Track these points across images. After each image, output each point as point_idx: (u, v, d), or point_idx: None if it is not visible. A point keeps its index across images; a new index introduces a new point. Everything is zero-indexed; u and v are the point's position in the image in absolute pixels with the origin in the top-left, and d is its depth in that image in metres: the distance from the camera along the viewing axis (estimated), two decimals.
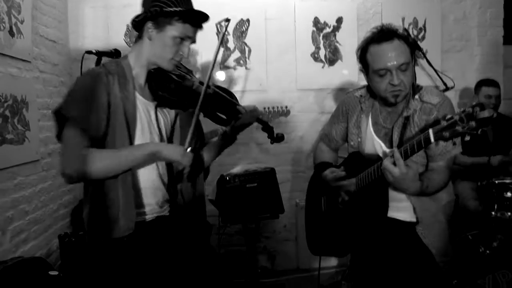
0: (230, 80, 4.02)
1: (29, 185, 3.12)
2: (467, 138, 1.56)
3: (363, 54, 1.99)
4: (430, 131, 1.66)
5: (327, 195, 2.36)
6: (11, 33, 2.89)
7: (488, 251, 2.90)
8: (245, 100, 3.94)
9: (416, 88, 2.04)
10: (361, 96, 2.20)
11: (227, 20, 1.90)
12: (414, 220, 2.06)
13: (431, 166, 2.00)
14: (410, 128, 1.98)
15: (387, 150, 2.04)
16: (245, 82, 4.03)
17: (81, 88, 1.69)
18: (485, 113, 1.51)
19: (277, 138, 2.32)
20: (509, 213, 2.97)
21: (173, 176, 1.93)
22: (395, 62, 1.87)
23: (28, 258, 2.61)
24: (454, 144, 1.89)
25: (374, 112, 2.13)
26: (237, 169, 3.36)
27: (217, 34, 3.94)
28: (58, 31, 3.68)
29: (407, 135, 1.98)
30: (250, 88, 4.02)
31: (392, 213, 2.05)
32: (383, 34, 1.92)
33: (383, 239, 2.08)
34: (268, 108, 2.49)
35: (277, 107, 2.68)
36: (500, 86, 3.86)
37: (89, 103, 1.64)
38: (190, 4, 1.82)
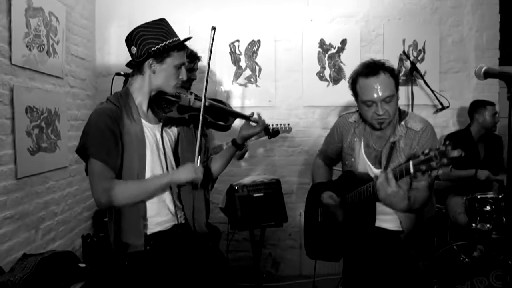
0: (243, 96, 4.39)
1: (58, 189, 3.49)
2: (440, 172, 1.84)
3: (353, 84, 2.25)
4: (410, 163, 1.86)
5: (323, 208, 2.59)
6: (48, 53, 3.29)
7: (467, 259, 3.16)
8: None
9: (402, 114, 2.31)
10: (355, 121, 2.43)
11: (213, 28, 2.02)
12: (399, 229, 2.33)
13: (414, 185, 2.22)
14: (396, 152, 2.24)
15: (376, 171, 2.30)
16: (255, 98, 4.39)
17: (94, 125, 1.90)
18: (455, 153, 1.71)
19: (273, 133, 2.57)
20: (488, 225, 3.24)
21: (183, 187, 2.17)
22: (380, 95, 2.12)
23: (61, 251, 2.97)
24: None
25: (366, 135, 2.38)
26: (246, 180, 3.64)
27: (230, 53, 4.32)
28: (86, 49, 4.08)
29: (393, 158, 2.25)
30: (260, 104, 4.37)
31: (380, 223, 2.32)
32: (371, 69, 2.16)
33: (371, 246, 2.32)
34: (272, 125, 2.80)
35: (281, 124, 2.98)
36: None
37: (104, 138, 1.87)
38: (173, 31, 2.05)
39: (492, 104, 4.06)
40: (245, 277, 4.07)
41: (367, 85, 2.16)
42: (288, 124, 3.03)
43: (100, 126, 1.89)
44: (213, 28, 2.03)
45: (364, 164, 2.37)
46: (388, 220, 2.33)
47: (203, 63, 4.17)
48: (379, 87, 2.13)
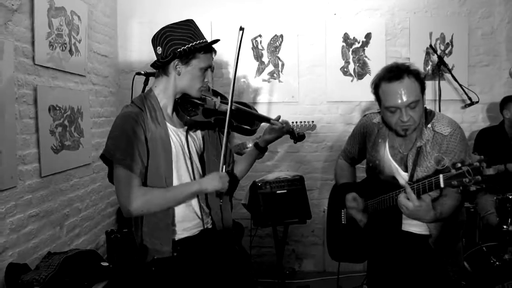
0: (265, 92, 4.34)
1: (82, 186, 3.53)
2: (473, 188, 1.79)
3: (376, 89, 2.13)
4: (441, 178, 1.80)
5: (347, 210, 2.50)
6: (70, 52, 3.31)
7: (498, 263, 3.06)
8: (279, 111, 4.18)
9: (428, 116, 2.20)
10: (379, 122, 2.33)
11: (241, 29, 1.97)
12: (427, 233, 2.24)
13: (442, 191, 2.12)
14: (423, 156, 2.14)
15: (403, 173, 2.21)
16: (278, 94, 4.34)
17: (120, 130, 1.86)
18: (491, 171, 1.67)
19: (299, 137, 2.50)
20: None
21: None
22: (404, 101, 2.00)
23: (84, 250, 3.01)
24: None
25: (391, 136, 2.27)
26: (269, 176, 3.61)
27: (252, 48, 4.28)
28: (108, 46, 4.10)
29: (420, 162, 2.15)
30: (283, 99, 4.34)
31: (407, 227, 2.24)
32: (394, 73, 2.04)
33: (398, 250, 2.24)
34: (296, 122, 2.75)
35: (304, 122, 2.94)
36: None
37: (129, 143, 1.83)
38: (201, 33, 1.99)
39: None
40: (268, 273, 4.07)
41: (390, 90, 2.04)
42: (313, 122, 2.97)
43: (126, 131, 1.85)
44: (241, 29, 1.97)
45: (390, 166, 2.29)
46: (414, 224, 2.23)
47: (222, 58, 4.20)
48: (403, 92, 2.01)
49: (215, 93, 2.26)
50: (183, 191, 1.93)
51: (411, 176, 2.17)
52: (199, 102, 2.08)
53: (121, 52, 4.35)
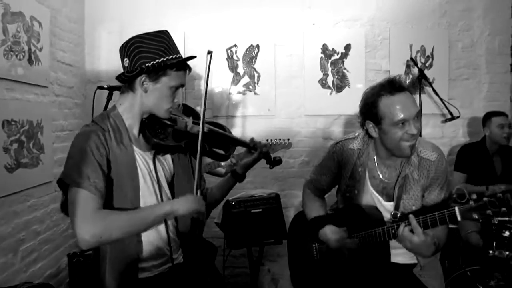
0: (240, 104, 4.14)
1: (41, 206, 3.25)
2: (495, 221, 1.69)
3: (373, 107, 1.98)
4: (457, 210, 1.71)
5: (319, 243, 2.36)
6: (30, 61, 3.04)
7: None
8: (254, 124, 4.08)
9: None
10: (359, 149, 2.20)
11: (209, 52, 1.81)
12: (413, 261, 2.15)
13: None
14: (410, 184, 2.06)
15: (386, 204, 2.12)
16: (254, 107, 4.14)
17: (79, 151, 1.65)
18: None
19: (275, 162, 2.36)
20: (507, 252, 2.97)
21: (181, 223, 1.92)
22: (413, 111, 1.91)
23: (37, 284, 2.71)
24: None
25: (371, 165, 2.16)
26: (243, 194, 3.43)
27: (227, 59, 4.07)
28: (74, 54, 3.83)
29: (407, 190, 2.06)
30: (259, 113, 4.13)
31: (392, 258, 2.12)
32: (396, 86, 1.95)
33: (386, 283, 2.13)
34: (271, 140, 2.59)
35: (280, 140, 2.78)
36: (507, 115, 3.89)
37: (88, 163, 1.62)
38: (176, 48, 1.81)
39: (498, 114, 3.83)
40: None
41: (397, 102, 1.92)
42: (288, 140, 2.83)
43: (85, 150, 1.64)
44: (209, 53, 1.80)
45: (371, 196, 2.16)
46: (400, 253, 2.12)
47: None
48: (410, 102, 1.93)
49: (187, 110, 2.04)
50: (152, 213, 1.70)
51: (396, 206, 2.09)
52: (168, 123, 1.87)
53: (88, 60, 4.08)
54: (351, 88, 4.15)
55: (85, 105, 3.98)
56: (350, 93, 4.14)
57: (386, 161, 2.13)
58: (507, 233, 3.00)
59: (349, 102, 4.09)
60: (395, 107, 1.91)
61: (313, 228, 2.31)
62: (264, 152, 2.21)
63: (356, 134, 2.25)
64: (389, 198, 2.12)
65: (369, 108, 2.00)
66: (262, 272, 4.07)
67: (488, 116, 3.86)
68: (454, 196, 1.77)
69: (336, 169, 2.31)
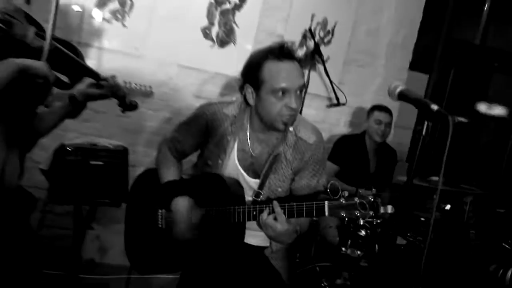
0: (101, 34, 4.06)
1: None
2: (361, 222, 1.95)
3: (257, 69, 2.09)
4: (326, 205, 1.92)
5: (167, 209, 2.40)
6: None
7: (327, 287, 3.27)
8: (114, 62, 4.02)
9: None
10: (234, 116, 2.29)
11: None
12: (264, 244, 2.39)
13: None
14: (281, 164, 2.25)
15: (250, 180, 2.30)
16: (119, 41, 4.08)
17: None
18: (388, 209, 1.86)
19: (129, 106, 2.42)
20: (359, 252, 3.38)
21: None
22: (296, 83, 2.05)
23: None
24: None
25: (243, 137, 2.29)
26: (84, 141, 3.42)
27: None
28: None
29: (277, 170, 2.25)
30: (125, 49, 4.06)
31: (245, 239, 2.28)
32: (286, 53, 2.08)
33: (234, 263, 2.32)
34: (130, 83, 2.63)
35: (140, 85, 2.81)
36: (393, 113, 4.32)
37: None
38: None
39: (381, 109, 4.25)
40: (60, 263, 3.77)
41: (282, 69, 2.05)
42: (150, 87, 2.86)
43: None
44: None
45: (234, 170, 2.31)
46: (253, 235, 2.33)
47: None
48: (296, 74, 2.07)
49: (30, 20, 1.96)
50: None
51: (261, 184, 2.26)
52: (1, 25, 1.78)
53: None
54: (237, 46, 4.30)
55: None
56: (234, 52, 4.28)
57: (259, 135, 2.26)
58: (363, 232, 3.42)
59: (231, 61, 4.23)
60: (279, 74, 2.04)
61: (165, 194, 2.37)
62: (115, 91, 2.25)
63: (234, 99, 2.34)
64: (255, 176, 2.28)
65: (252, 70, 2.11)
66: (90, 237, 4.11)
67: (372, 109, 4.29)
68: (328, 190, 1.95)
69: (203, 132, 2.38)
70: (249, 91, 2.16)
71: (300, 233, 2.16)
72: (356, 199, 1.89)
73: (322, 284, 3.31)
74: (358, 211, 1.88)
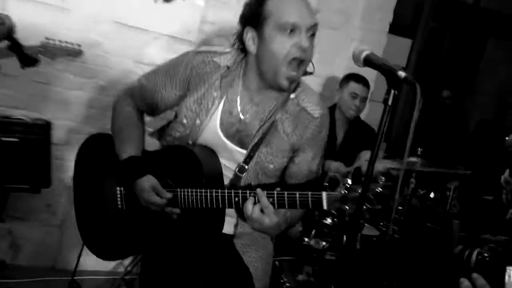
0: None
1: None
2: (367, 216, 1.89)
3: (257, 6, 1.99)
4: (324, 195, 1.83)
5: (128, 189, 2.29)
6: None
7: (288, 284, 3.12)
8: (33, 13, 3.70)
9: None
10: (227, 67, 2.16)
11: None
12: (231, 233, 2.29)
13: None
14: (277, 135, 2.13)
15: (235, 148, 2.16)
16: None
17: None
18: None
19: (28, 60, 2.36)
20: (324, 243, 3.23)
21: None
22: (309, 19, 1.95)
23: None
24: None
25: (232, 96, 2.16)
26: None
27: None
28: None
29: (270, 141, 2.12)
30: (47, 0, 3.77)
31: None
32: None
33: (204, 252, 2.23)
34: (54, 40, 2.37)
35: (66, 42, 2.58)
36: (370, 86, 4.18)
37: None
38: None
39: (359, 80, 4.11)
40: None
41: (292, 2, 1.98)
42: (79, 45, 2.65)
43: None
44: None
45: (215, 135, 2.16)
46: (227, 222, 2.22)
47: None
48: (306, 9, 1.97)
49: None
50: None
51: (248, 157, 2.13)
52: None
53: None
54: (186, 1, 4.04)
55: None
56: (183, 8, 4.04)
57: (254, 96, 2.14)
58: (329, 220, 3.29)
59: (179, 19, 4.06)
60: (287, 6, 1.95)
61: (126, 173, 2.21)
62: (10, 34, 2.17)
63: (228, 49, 2.22)
64: (241, 145, 2.15)
65: (253, 8, 2.01)
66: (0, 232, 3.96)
67: (346, 78, 4.13)
68: (326, 184, 1.86)
69: (184, 83, 2.21)
70: (249, 36, 2.05)
71: (290, 224, 2.10)
72: (359, 189, 1.78)
73: (281, 281, 3.18)
74: (365, 205, 1.76)
